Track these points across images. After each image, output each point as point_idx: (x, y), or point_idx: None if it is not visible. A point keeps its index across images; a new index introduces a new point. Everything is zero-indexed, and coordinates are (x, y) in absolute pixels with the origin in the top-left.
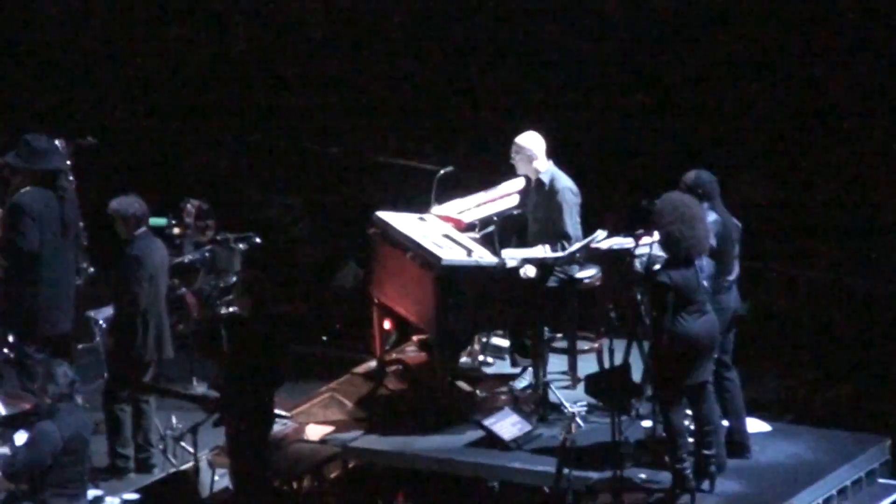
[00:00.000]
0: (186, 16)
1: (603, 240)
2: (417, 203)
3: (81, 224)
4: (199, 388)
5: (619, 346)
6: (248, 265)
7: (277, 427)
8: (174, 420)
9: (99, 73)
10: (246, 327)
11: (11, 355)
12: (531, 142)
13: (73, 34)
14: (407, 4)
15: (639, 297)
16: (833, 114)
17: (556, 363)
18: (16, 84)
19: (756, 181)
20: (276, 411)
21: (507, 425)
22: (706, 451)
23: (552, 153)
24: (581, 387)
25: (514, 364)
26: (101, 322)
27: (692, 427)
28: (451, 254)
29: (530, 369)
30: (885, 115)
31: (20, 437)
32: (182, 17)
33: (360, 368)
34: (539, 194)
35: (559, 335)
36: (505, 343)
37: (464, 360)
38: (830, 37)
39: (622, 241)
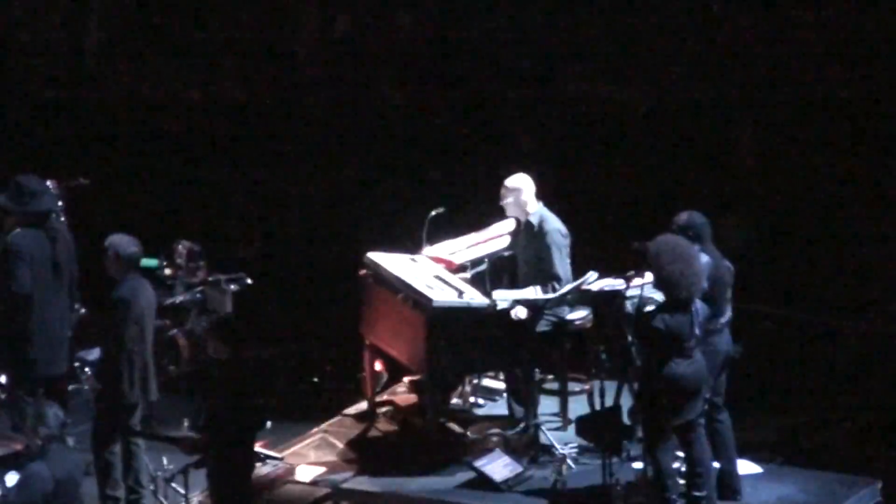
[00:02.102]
0: (179, 55)
1: (594, 281)
2: (408, 244)
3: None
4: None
5: (610, 387)
6: (238, 306)
7: (268, 468)
8: (165, 461)
9: (92, 113)
10: (223, 369)
11: (3, 396)
12: (521, 183)
13: (65, 75)
14: (399, 43)
15: (629, 338)
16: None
17: (547, 404)
18: (8, 124)
19: (743, 223)
20: (267, 452)
21: (499, 467)
22: (697, 493)
23: (542, 195)
24: (572, 428)
25: (511, 415)
26: (86, 367)
27: (683, 469)
28: (442, 295)
29: (520, 410)
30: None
31: (11, 479)
32: (174, 56)
33: (352, 409)
34: (528, 236)
35: (550, 377)
36: (496, 384)
37: (455, 401)
38: (817, 76)
39: (613, 283)
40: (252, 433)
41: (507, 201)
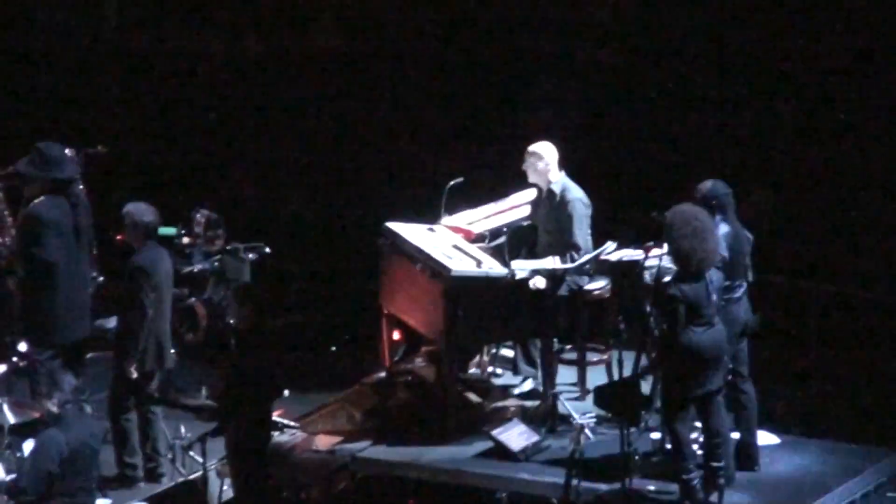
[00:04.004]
0: (200, 24)
1: (612, 251)
2: (427, 213)
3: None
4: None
5: (628, 357)
6: (256, 275)
7: (286, 437)
8: (183, 429)
9: (110, 81)
10: (241, 338)
11: (21, 364)
12: (544, 151)
13: (84, 43)
14: (419, 16)
15: (648, 308)
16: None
17: (566, 374)
18: (26, 93)
19: (763, 193)
20: (285, 421)
21: (516, 436)
22: (715, 463)
23: (564, 164)
24: (590, 398)
25: (516, 372)
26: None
27: (701, 439)
28: (460, 265)
29: (530, 379)
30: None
31: (29, 446)
32: (195, 25)
33: (369, 379)
34: (550, 205)
35: (568, 346)
36: (513, 354)
37: (473, 371)
38: (839, 48)
39: (632, 253)
40: (269, 402)
41: (528, 166)
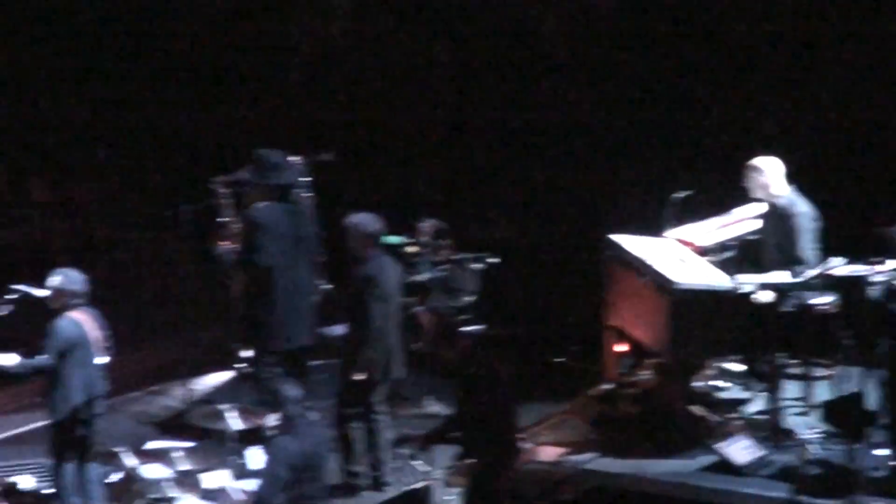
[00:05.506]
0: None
1: (839, 266)
2: (651, 227)
3: (318, 240)
4: (433, 406)
5: (854, 373)
6: (484, 285)
7: None
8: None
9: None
10: (473, 376)
11: (250, 370)
12: (766, 166)
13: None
14: (634, 26)
15: (875, 324)
16: None
17: (791, 389)
18: (265, 100)
19: None
20: None
21: (741, 450)
22: None
23: (792, 178)
24: (815, 413)
25: (748, 388)
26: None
27: None
28: (685, 277)
29: (763, 394)
30: None
31: (252, 453)
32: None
33: (595, 390)
34: (775, 219)
35: (794, 361)
36: (738, 368)
37: (698, 384)
38: None
39: (858, 269)
40: (511, 425)
41: (749, 181)
